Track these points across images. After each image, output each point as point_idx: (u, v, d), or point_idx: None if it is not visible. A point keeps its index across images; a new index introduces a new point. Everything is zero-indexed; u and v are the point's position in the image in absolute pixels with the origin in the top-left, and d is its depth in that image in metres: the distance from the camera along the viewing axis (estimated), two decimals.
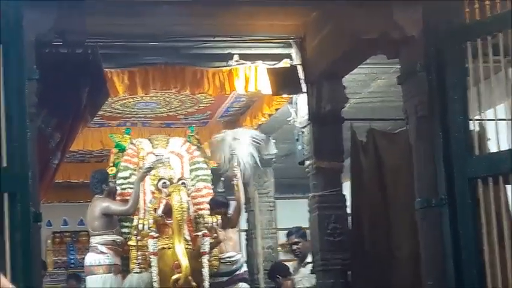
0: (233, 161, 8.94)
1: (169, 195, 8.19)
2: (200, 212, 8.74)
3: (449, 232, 6.06)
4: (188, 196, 8.33)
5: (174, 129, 10.96)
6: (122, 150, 8.81)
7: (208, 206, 8.83)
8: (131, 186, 8.49)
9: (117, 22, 7.60)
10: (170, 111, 10.73)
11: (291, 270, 9.48)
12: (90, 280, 8.22)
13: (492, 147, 6.11)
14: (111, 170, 8.68)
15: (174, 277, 8.02)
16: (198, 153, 8.99)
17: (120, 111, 10.62)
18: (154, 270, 8.06)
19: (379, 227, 7.83)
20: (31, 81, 5.87)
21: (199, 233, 8.43)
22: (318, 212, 8.09)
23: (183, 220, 8.12)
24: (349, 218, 8.17)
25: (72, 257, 14.68)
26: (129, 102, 10.17)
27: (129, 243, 8.33)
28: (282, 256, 12.50)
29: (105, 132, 11.12)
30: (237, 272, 8.94)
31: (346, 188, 8.39)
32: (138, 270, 8.20)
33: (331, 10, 7.51)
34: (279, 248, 12.49)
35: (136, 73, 8.26)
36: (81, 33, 7.12)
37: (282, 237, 12.92)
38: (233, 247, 8.98)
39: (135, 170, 8.64)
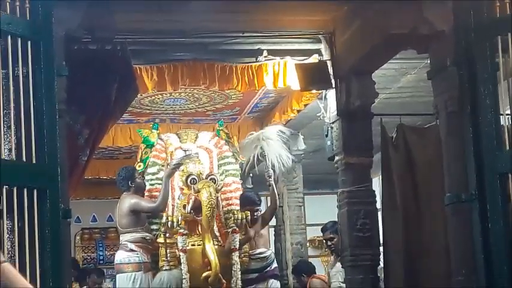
0: (265, 162, 8.80)
1: (198, 191, 8.01)
2: (229, 208, 8.54)
3: (479, 228, 6.02)
4: (217, 192, 8.16)
5: (203, 125, 10.99)
6: (150, 145, 8.58)
7: (237, 202, 8.63)
8: (160, 182, 8.28)
9: (146, 18, 7.62)
10: (199, 107, 10.76)
11: (329, 264, 9.51)
12: (120, 278, 8.09)
13: None
14: (139, 166, 8.47)
15: (204, 274, 7.91)
16: (226, 147, 8.76)
17: (149, 108, 10.66)
18: (184, 267, 7.95)
19: (410, 221, 7.79)
20: (60, 78, 5.89)
21: (229, 230, 8.29)
22: (347, 207, 8.07)
23: (212, 216, 7.99)
24: (379, 214, 8.15)
25: (101, 253, 14.75)
26: (158, 98, 10.20)
27: (158, 240, 8.17)
28: (311, 252, 12.53)
29: (134, 128, 11.17)
30: (268, 269, 8.80)
31: (376, 184, 8.36)
32: (168, 268, 8.04)
33: (360, 5, 7.49)
34: (308, 244, 12.50)
35: (165, 69, 8.28)
36: (110, 30, 7.15)
37: (310, 233, 12.95)
38: (263, 243, 8.87)
39: (163, 166, 8.43)
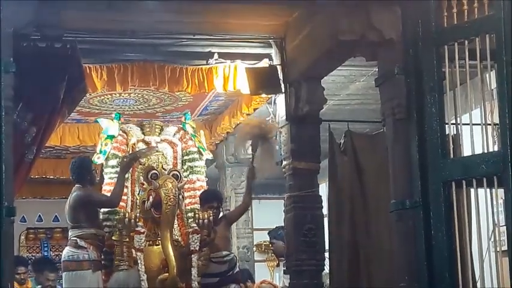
0: (252, 157, 8.27)
1: (159, 187, 7.60)
2: (192, 207, 8.14)
3: (422, 234, 6.09)
4: (180, 189, 7.77)
5: None
6: (110, 136, 8.16)
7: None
8: None
9: (97, 17, 7.58)
10: (148, 109, 10.72)
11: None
12: (67, 276, 7.68)
13: (467, 152, 6.14)
14: (98, 158, 8.08)
15: (160, 277, 7.57)
16: (192, 142, 8.42)
17: (98, 107, 10.59)
18: (142, 267, 7.63)
19: (356, 227, 7.84)
20: (7, 74, 5.83)
21: (190, 230, 7.94)
22: (293, 212, 8.10)
23: (173, 215, 7.62)
24: (325, 219, 8.19)
25: (46, 254, 14.58)
26: (107, 98, 10.15)
27: (114, 238, 7.74)
28: (257, 256, 12.55)
29: (82, 128, 11.13)
30: (230, 273, 8.21)
31: (323, 190, 8.41)
32: (125, 268, 7.63)
33: (311, 11, 7.53)
34: (255, 249, 12.52)
35: (115, 69, 8.23)
36: (59, 28, 7.09)
37: (257, 238, 12.97)
38: (226, 246, 8.31)
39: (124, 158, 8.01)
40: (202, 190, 8.29)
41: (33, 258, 13.95)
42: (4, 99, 5.65)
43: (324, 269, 8.23)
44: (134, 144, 8.19)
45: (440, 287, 5.92)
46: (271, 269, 13.79)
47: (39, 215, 15.07)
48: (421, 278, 6.10)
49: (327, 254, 8.14)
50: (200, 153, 8.40)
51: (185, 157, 8.34)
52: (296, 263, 8.03)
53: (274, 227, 9.52)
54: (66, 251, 7.76)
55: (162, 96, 10.11)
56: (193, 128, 8.57)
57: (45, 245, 14.99)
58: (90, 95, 9.34)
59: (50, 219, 15.08)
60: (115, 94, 9.85)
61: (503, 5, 5.74)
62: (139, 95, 10.07)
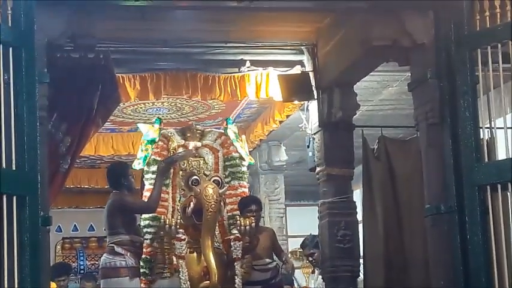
0: None
1: (200, 193, 7.42)
2: (233, 213, 7.91)
3: (458, 239, 6.06)
4: (221, 195, 7.58)
5: None
6: (151, 141, 7.98)
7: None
8: None
9: (128, 27, 7.63)
10: (181, 117, 10.76)
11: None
12: (104, 283, 7.55)
13: (502, 155, 6.09)
14: (138, 164, 7.90)
15: (201, 285, 7.45)
16: (234, 147, 8.20)
17: (132, 117, 10.65)
18: (184, 275, 7.44)
19: (391, 233, 7.82)
20: (42, 85, 5.88)
21: (231, 237, 7.72)
22: (328, 218, 8.10)
23: (214, 221, 7.47)
24: (360, 225, 8.17)
25: (81, 263, 14.65)
26: (141, 107, 10.20)
27: (154, 245, 7.60)
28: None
29: (116, 138, 11.19)
30: (272, 281, 8.01)
31: (357, 196, 8.38)
32: (168, 275, 7.48)
33: (343, 17, 7.53)
34: (290, 256, 12.49)
35: (148, 78, 8.28)
36: (92, 38, 7.14)
37: (292, 245, 12.95)
38: (268, 253, 8.08)
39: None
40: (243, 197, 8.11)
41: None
42: (39, 109, 5.68)
43: (359, 275, 8.20)
44: (175, 149, 8.00)
45: None
46: (307, 275, 13.74)
47: (75, 225, 15.15)
48: (457, 284, 6.06)
49: (362, 260, 8.12)
50: (242, 159, 8.19)
51: (226, 163, 8.15)
52: (331, 269, 8.04)
53: (306, 236, 9.48)
54: (104, 258, 7.64)
55: (195, 104, 10.15)
56: (235, 133, 8.34)
57: (81, 254, 15.06)
58: (123, 104, 9.41)
59: (85, 229, 15.16)
60: (148, 103, 9.90)
61: None
62: (173, 104, 10.11)
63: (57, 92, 6.60)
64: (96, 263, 14.77)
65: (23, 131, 5.47)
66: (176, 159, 7.78)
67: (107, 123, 8.76)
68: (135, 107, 10.14)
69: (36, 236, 5.47)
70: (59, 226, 14.40)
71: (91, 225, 15.03)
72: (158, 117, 8.53)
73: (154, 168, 7.83)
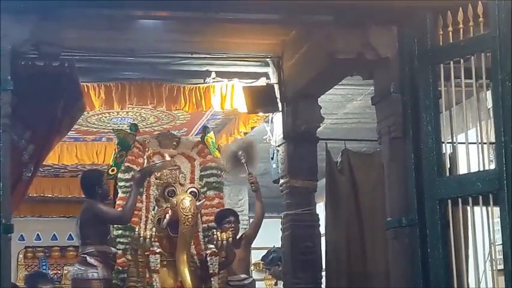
0: (246, 168, 7.96)
1: (176, 205, 7.16)
2: (209, 225, 7.72)
3: (419, 252, 6.11)
4: (198, 208, 7.34)
5: None
6: (126, 148, 7.78)
7: None
8: None
9: (94, 36, 7.61)
10: (146, 127, 10.74)
11: None
12: None
13: (463, 171, 6.16)
14: (112, 171, 7.72)
15: None
16: (211, 157, 8.00)
17: (96, 126, 10.62)
18: None
19: (353, 246, 7.87)
20: (5, 92, 5.86)
21: (208, 252, 7.43)
22: (290, 230, 8.11)
23: (190, 235, 7.22)
24: (323, 238, 8.20)
25: (44, 271, 14.51)
26: (105, 117, 10.18)
27: (127, 257, 7.36)
28: (255, 275, 12.51)
29: (80, 147, 11.15)
30: None
31: (320, 209, 8.41)
32: None
33: (308, 30, 7.57)
34: (252, 268, 12.51)
35: (113, 88, 8.26)
36: (57, 46, 7.10)
37: (255, 257, 12.96)
38: (244, 269, 7.94)
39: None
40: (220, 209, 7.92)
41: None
42: (2, 116, 5.67)
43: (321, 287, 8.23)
44: (150, 156, 7.78)
45: None
46: (269, 287, 13.78)
47: (38, 234, 15.06)
48: None
49: (324, 273, 8.15)
50: (219, 169, 8.03)
51: (203, 172, 7.95)
52: (294, 281, 8.04)
53: (266, 252, 9.49)
54: (75, 269, 7.33)
55: (160, 114, 10.14)
56: (212, 142, 8.20)
57: (44, 263, 14.96)
58: (88, 113, 9.38)
59: (48, 238, 15.07)
60: (113, 113, 9.88)
61: (498, 24, 5.79)
62: (137, 114, 10.10)
63: (21, 99, 6.57)
64: (59, 272, 14.74)
65: None
66: (153, 169, 7.48)
67: (71, 132, 8.73)
68: (100, 116, 10.11)
69: None
70: (21, 235, 14.32)
71: (54, 234, 14.94)
72: (133, 124, 8.36)
73: (128, 176, 7.66)
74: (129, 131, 8.00)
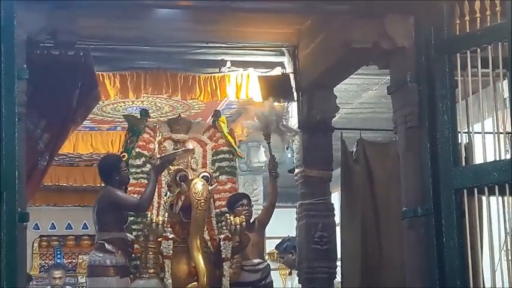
0: (269, 149, 7.94)
1: (188, 190, 7.11)
2: (222, 210, 7.63)
3: (434, 242, 6.09)
4: (211, 192, 7.28)
5: None
6: (136, 134, 7.68)
7: None
8: (145, 176, 7.43)
9: (110, 25, 7.62)
10: (161, 117, 10.73)
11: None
12: (92, 282, 7.11)
13: (479, 161, 6.14)
14: (123, 157, 7.53)
15: (189, 286, 7.11)
16: (223, 141, 7.90)
17: (111, 115, 10.62)
18: (168, 276, 7.12)
19: (368, 235, 7.84)
20: (21, 81, 5.87)
21: (221, 236, 7.38)
22: (305, 220, 8.10)
23: (203, 220, 7.13)
24: (338, 227, 8.19)
25: (59, 261, 14.57)
26: (120, 106, 10.18)
27: (140, 243, 7.25)
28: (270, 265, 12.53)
29: (95, 136, 11.15)
30: (262, 282, 7.74)
31: (335, 198, 8.40)
32: (147, 276, 7.12)
33: (324, 19, 7.55)
34: (267, 257, 12.50)
35: (128, 77, 8.25)
36: (73, 35, 7.11)
37: (269, 246, 12.95)
38: (258, 253, 7.84)
39: (150, 158, 7.50)
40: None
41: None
42: (17, 105, 5.67)
43: (336, 277, 8.22)
44: (161, 142, 7.71)
45: None
46: (284, 277, 13.77)
47: (52, 223, 15.08)
48: (432, 286, 6.09)
49: (339, 262, 8.14)
50: (232, 153, 7.94)
51: (215, 157, 7.86)
52: (308, 271, 8.04)
53: (280, 240, 9.49)
54: (92, 255, 7.16)
55: (175, 104, 10.14)
56: (224, 125, 8.07)
57: (58, 252, 15.01)
58: (103, 102, 9.38)
59: (63, 227, 15.09)
60: (128, 102, 9.88)
61: None
62: (152, 103, 10.09)
63: (36, 88, 6.59)
64: (74, 261, 14.78)
65: (1, 127, 5.47)
66: (173, 158, 7.33)
67: (86, 121, 8.74)
68: (115, 105, 10.11)
69: (13, 232, 5.48)
70: (36, 224, 14.34)
71: (69, 223, 14.96)
72: (144, 109, 8.27)
73: (139, 161, 7.58)
74: (139, 116, 7.92)
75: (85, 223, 14.33)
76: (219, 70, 8.50)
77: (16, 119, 5.63)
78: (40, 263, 14.84)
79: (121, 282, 6.99)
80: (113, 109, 10.34)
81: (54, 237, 15.12)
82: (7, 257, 5.36)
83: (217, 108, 10.20)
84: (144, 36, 7.95)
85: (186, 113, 10.60)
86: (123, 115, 8.93)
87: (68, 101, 7.39)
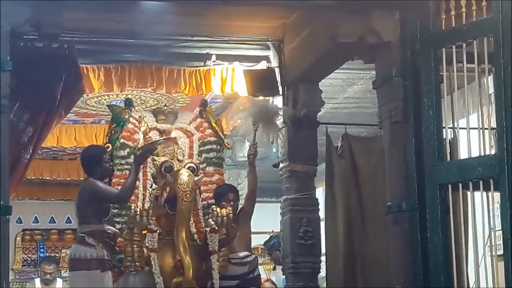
0: (253, 135, 7.76)
1: (174, 181, 6.94)
2: (209, 202, 7.47)
3: (418, 237, 6.09)
4: (197, 184, 7.07)
5: None
6: (120, 124, 7.51)
7: None
8: (129, 167, 7.26)
9: (94, 18, 7.57)
10: (145, 110, 10.69)
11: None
12: (73, 276, 7.00)
13: (464, 156, 6.14)
14: (107, 148, 7.38)
15: (175, 280, 6.93)
16: (210, 131, 7.75)
17: (95, 109, 10.56)
18: (156, 269, 6.92)
19: (353, 230, 7.84)
20: (4, 73, 5.84)
21: (207, 229, 7.17)
22: (290, 214, 8.09)
23: (189, 212, 6.94)
24: (322, 222, 8.18)
25: (41, 255, 14.52)
26: (105, 99, 10.11)
27: (124, 236, 7.09)
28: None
29: (79, 129, 11.08)
30: (250, 276, 7.56)
31: (320, 193, 8.40)
32: (133, 270, 6.99)
33: (310, 13, 7.53)
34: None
35: (113, 70, 8.20)
36: (57, 27, 7.07)
37: (254, 241, 12.95)
38: (246, 246, 7.68)
39: (135, 149, 7.34)
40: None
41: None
42: (1, 97, 5.63)
43: (320, 272, 8.22)
44: (146, 132, 7.57)
45: None
46: (268, 272, 13.76)
47: (36, 216, 15.01)
48: (416, 281, 6.10)
49: (323, 257, 8.14)
50: (219, 144, 7.79)
51: (202, 148, 7.70)
52: (292, 266, 8.02)
53: (268, 237, 9.47)
54: (73, 249, 7.04)
55: (160, 97, 10.08)
56: (211, 115, 7.95)
57: (41, 246, 14.94)
58: (87, 95, 9.32)
59: (46, 221, 15.02)
60: (112, 95, 9.81)
61: (501, 8, 5.75)
62: (137, 96, 10.02)
63: (20, 80, 6.55)
64: (57, 255, 14.70)
65: None
66: (155, 146, 7.21)
67: (70, 114, 8.69)
68: (99, 98, 10.05)
69: None
70: (19, 217, 14.27)
71: (52, 217, 14.89)
72: (128, 98, 8.11)
73: (123, 152, 7.47)
74: (123, 106, 7.77)
75: (68, 217, 14.24)
76: (204, 64, 8.46)
77: None
78: (23, 257, 14.77)
79: (103, 276, 6.87)
80: (97, 102, 10.27)
81: (37, 231, 15.04)
82: None
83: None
84: (128, 29, 7.90)
85: (171, 106, 10.55)
86: (107, 105, 8.86)
87: (51, 94, 7.35)
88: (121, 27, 7.86)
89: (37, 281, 9.88)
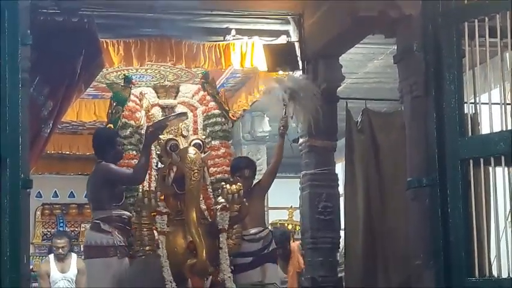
0: (285, 109, 7.69)
1: (180, 160, 6.72)
2: (217, 177, 7.31)
3: (439, 212, 6.05)
4: (204, 161, 6.83)
5: None
6: (121, 102, 7.28)
7: (227, 169, 7.39)
8: (134, 148, 7.15)
9: None
10: (147, 86, 10.68)
11: None
12: (90, 264, 6.89)
13: (485, 131, 6.09)
14: (109, 128, 7.25)
15: (188, 262, 6.68)
16: (214, 104, 7.49)
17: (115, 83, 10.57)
18: (164, 253, 6.69)
19: (372, 206, 7.83)
20: (24, 47, 5.80)
21: (218, 206, 6.94)
22: (309, 190, 8.09)
23: (198, 191, 6.73)
24: (341, 198, 8.17)
25: (61, 229, 14.59)
26: (124, 74, 10.10)
27: (132, 220, 6.85)
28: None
29: (98, 104, 11.10)
30: (265, 251, 7.47)
31: (340, 168, 8.38)
32: (142, 254, 6.74)
33: None
34: (270, 227, 12.50)
35: (132, 44, 8.21)
36: (76, 1, 7.08)
37: (273, 216, 12.97)
38: (259, 221, 7.55)
39: (138, 127, 7.21)
40: (234, 157, 7.57)
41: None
42: (21, 71, 5.62)
43: (339, 247, 8.22)
44: (148, 109, 7.34)
45: (456, 265, 5.87)
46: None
47: (55, 191, 15.11)
48: (437, 256, 6.06)
49: (342, 232, 8.14)
50: (224, 117, 7.53)
51: (206, 121, 7.49)
52: (311, 241, 8.04)
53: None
54: (88, 236, 6.92)
55: (179, 72, 10.07)
56: (213, 87, 7.70)
57: (61, 220, 15.03)
58: (107, 70, 9.32)
59: (65, 195, 15.13)
60: (131, 70, 9.80)
61: None
62: (156, 71, 10.03)
63: (40, 55, 6.57)
64: (76, 229, 14.80)
65: (5, 93, 5.42)
66: (166, 124, 6.95)
67: (89, 89, 8.73)
68: (119, 73, 10.05)
69: (16, 198, 5.43)
70: (39, 192, 14.36)
71: (71, 191, 14.99)
72: (127, 76, 7.90)
73: (126, 132, 7.24)
74: (123, 84, 7.56)
75: None
76: (224, 38, 8.46)
77: (20, 85, 5.57)
78: (42, 231, 14.87)
79: (120, 263, 6.75)
80: (116, 77, 10.26)
81: (57, 206, 15.15)
82: (10, 223, 5.33)
83: (221, 77, 10.20)
84: (148, 4, 7.90)
85: (190, 81, 10.53)
86: (106, 83, 8.65)
87: (71, 68, 7.38)
88: (141, 2, 7.87)
89: (51, 257, 9.82)
